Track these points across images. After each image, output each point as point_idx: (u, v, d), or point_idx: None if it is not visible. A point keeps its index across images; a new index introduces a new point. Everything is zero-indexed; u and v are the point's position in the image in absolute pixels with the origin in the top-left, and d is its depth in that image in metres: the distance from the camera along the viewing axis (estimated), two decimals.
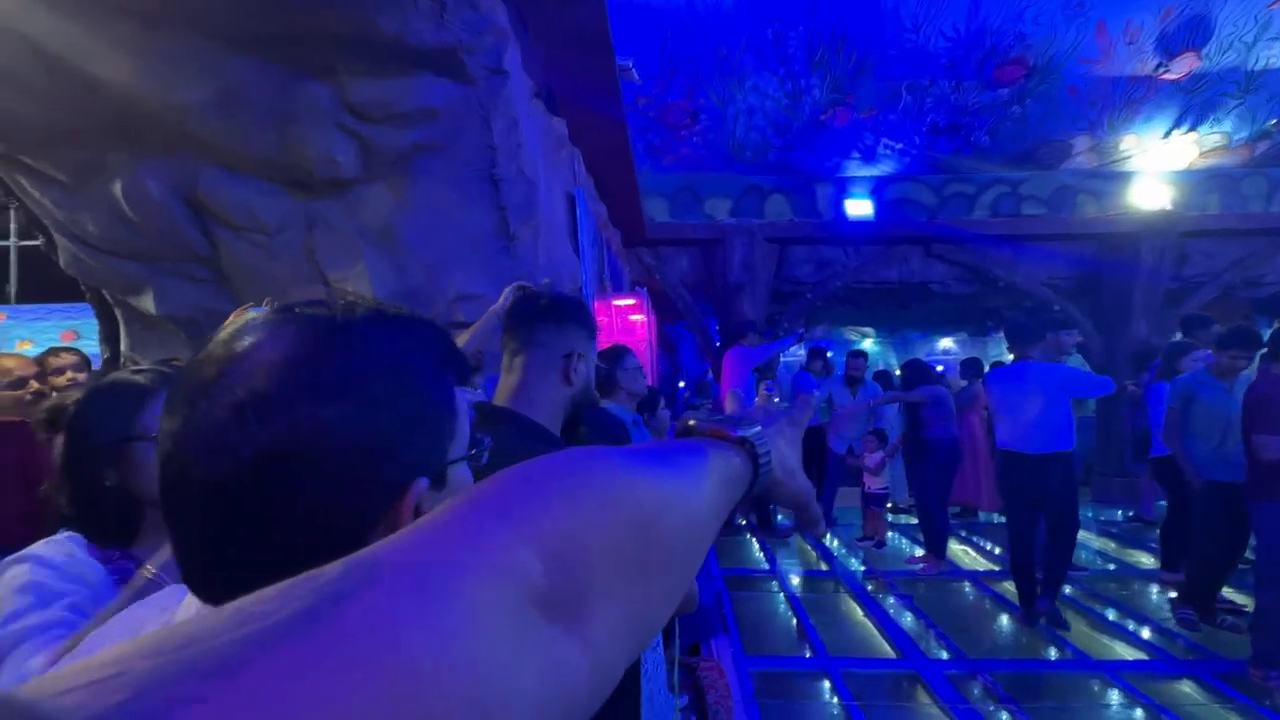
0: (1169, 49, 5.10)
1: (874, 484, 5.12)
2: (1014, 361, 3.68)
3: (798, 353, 6.99)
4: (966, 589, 4.25)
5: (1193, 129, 5.69)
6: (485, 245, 2.93)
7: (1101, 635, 3.47)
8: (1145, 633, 3.43)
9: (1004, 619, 3.75)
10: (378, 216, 2.81)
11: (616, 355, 2.41)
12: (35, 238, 3.55)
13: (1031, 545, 3.50)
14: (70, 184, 2.76)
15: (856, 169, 6.29)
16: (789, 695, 2.93)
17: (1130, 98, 5.45)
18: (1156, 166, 6.04)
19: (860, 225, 6.35)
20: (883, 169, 6.27)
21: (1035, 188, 6.27)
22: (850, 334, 11.80)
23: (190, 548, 0.38)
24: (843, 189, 6.35)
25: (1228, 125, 5.66)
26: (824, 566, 4.70)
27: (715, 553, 4.69)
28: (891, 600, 4.01)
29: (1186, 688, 2.91)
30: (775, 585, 4.29)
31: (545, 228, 3.14)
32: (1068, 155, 6.04)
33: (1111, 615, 3.68)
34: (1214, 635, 3.34)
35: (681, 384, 10.97)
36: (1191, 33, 4.98)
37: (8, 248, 9.14)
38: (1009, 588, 4.19)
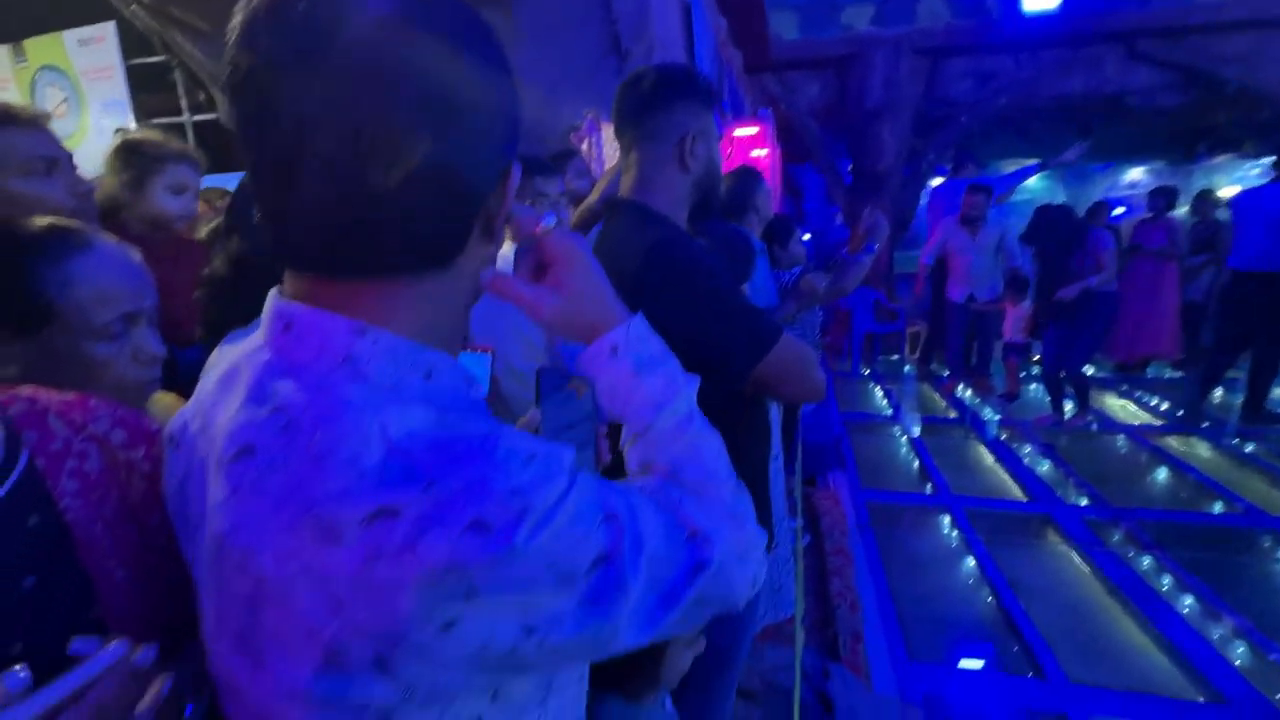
0: None
1: (1015, 333, 4.71)
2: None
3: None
4: (1120, 442, 3.91)
5: None
6: (598, 68, 2.75)
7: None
8: None
9: (1163, 472, 3.44)
10: None
11: (745, 177, 2.24)
12: (207, 110, 3.86)
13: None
14: (212, 31, 2.89)
15: None
16: (905, 526, 2.97)
17: None
18: None
19: (1039, 22, 5.16)
20: None
21: None
22: (1010, 167, 10.19)
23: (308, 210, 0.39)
24: None
25: None
26: (952, 414, 4.51)
27: (834, 396, 4.65)
28: (1028, 449, 3.80)
29: None
30: (898, 430, 4.21)
31: (659, 45, 2.86)
32: None
33: None
34: None
35: (806, 236, 10.29)
36: None
37: (183, 124, 10.20)
38: (1173, 443, 3.81)
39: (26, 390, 0.49)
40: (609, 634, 0.40)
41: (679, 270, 0.92)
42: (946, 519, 2.99)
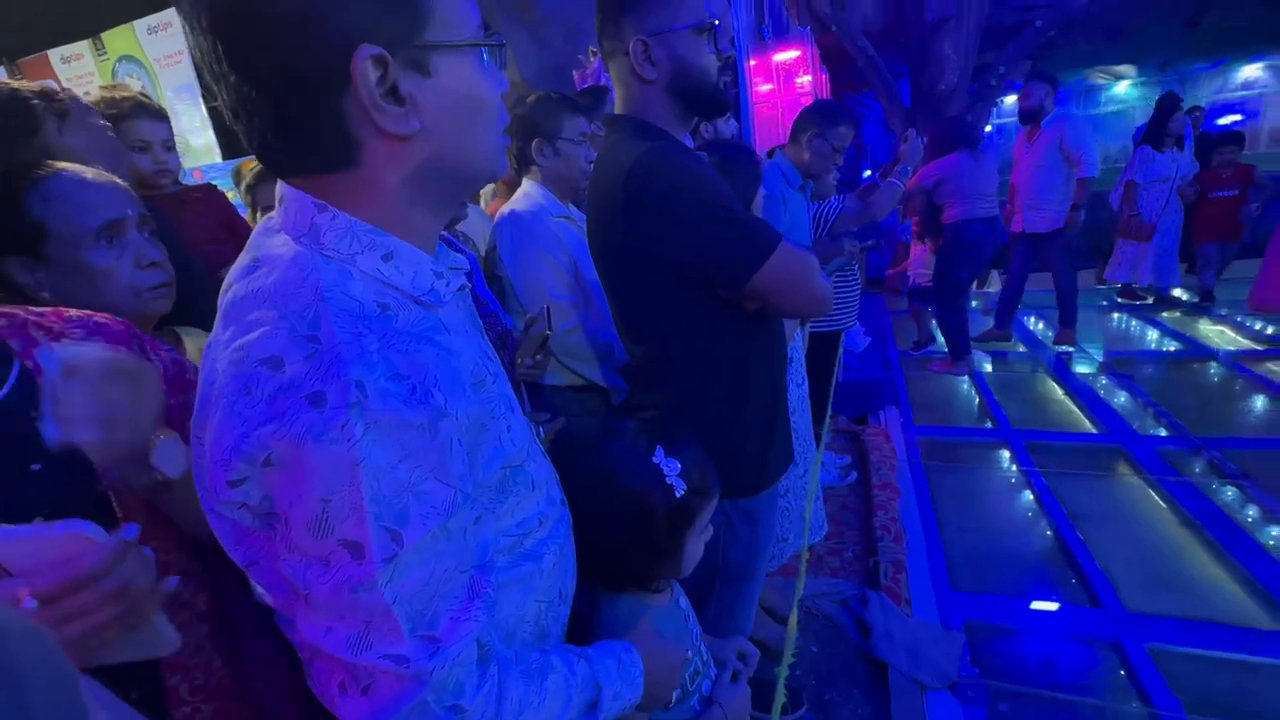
0: None
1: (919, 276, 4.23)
2: None
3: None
4: (1212, 370, 3.59)
5: None
6: None
7: None
8: None
9: (1259, 400, 3.15)
10: None
11: (805, 112, 2.08)
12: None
13: None
14: None
15: None
16: (960, 460, 2.88)
17: None
18: None
19: None
20: None
21: None
22: (1098, 77, 9.17)
23: None
24: None
25: None
26: (1021, 348, 4.26)
27: (892, 334, 4.48)
28: (1104, 380, 3.56)
29: None
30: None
31: None
32: None
33: None
34: None
35: (868, 172, 9.71)
36: None
37: None
38: (1272, 367, 3.46)
39: (4, 308, 0.56)
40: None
41: (666, 181, 0.90)
42: (1006, 453, 2.87)
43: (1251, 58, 8.03)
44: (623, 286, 1.04)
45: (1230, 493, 2.36)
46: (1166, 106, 4.26)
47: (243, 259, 0.49)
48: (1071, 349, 4.01)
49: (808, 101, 3.46)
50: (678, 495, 0.77)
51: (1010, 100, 9.90)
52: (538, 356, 1.29)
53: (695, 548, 0.84)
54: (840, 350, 2.66)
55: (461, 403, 0.48)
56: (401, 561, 0.43)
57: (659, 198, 0.89)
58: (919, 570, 2.06)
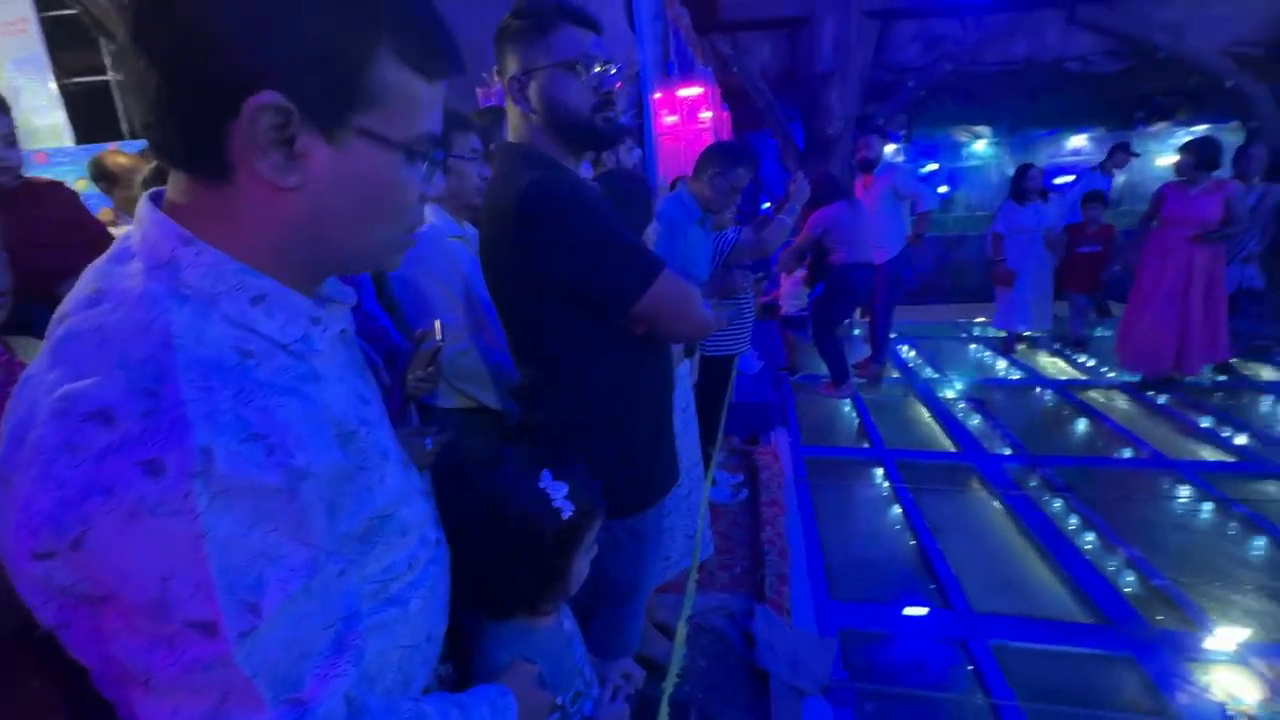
0: None
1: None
2: None
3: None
4: (1047, 396, 4.12)
5: None
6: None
7: (1187, 440, 3.32)
8: (1241, 439, 3.24)
9: (1081, 423, 3.65)
10: None
11: (706, 153, 2.17)
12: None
13: None
14: None
15: None
16: (840, 478, 3.10)
17: None
18: None
19: None
20: None
21: None
22: (961, 134, 10.37)
23: None
24: None
25: None
26: (895, 374, 4.67)
27: (785, 358, 4.76)
28: (962, 405, 3.98)
29: (1271, 488, 2.80)
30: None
31: None
32: None
33: (1205, 423, 3.48)
34: None
35: (767, 204, 10.32)
36: None
37: (107, 82, 9.53)
38: (1094, 395, 4.03)
39: None
40: None
41: (556, 207, 0.92)
42: (880, 471, 3.13)
43: (1079, 129, 9.43)
44: (514, 309, 1.05)
45: (1058, 504, 2.72)
46: (1023, 167, 4.81)
47: (84, 287, 0.44)
48: (870, 380, 4.34)
49: (709, 136, 3.66)
50: (565, 517, 0.78)
51: (890, 148, 10.95)
52: (430, 369, 1.26)
53: (582, 567, 0.86)
54: (734, 373, 2.80)
55: (326, 460, 0.45)
56: (261, 633, 0.39)
57: (549, 223, 0.92)
58: (800, 582, 2.19)
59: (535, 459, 0.80)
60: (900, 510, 2.73)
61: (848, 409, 4.03)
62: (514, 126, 1.02)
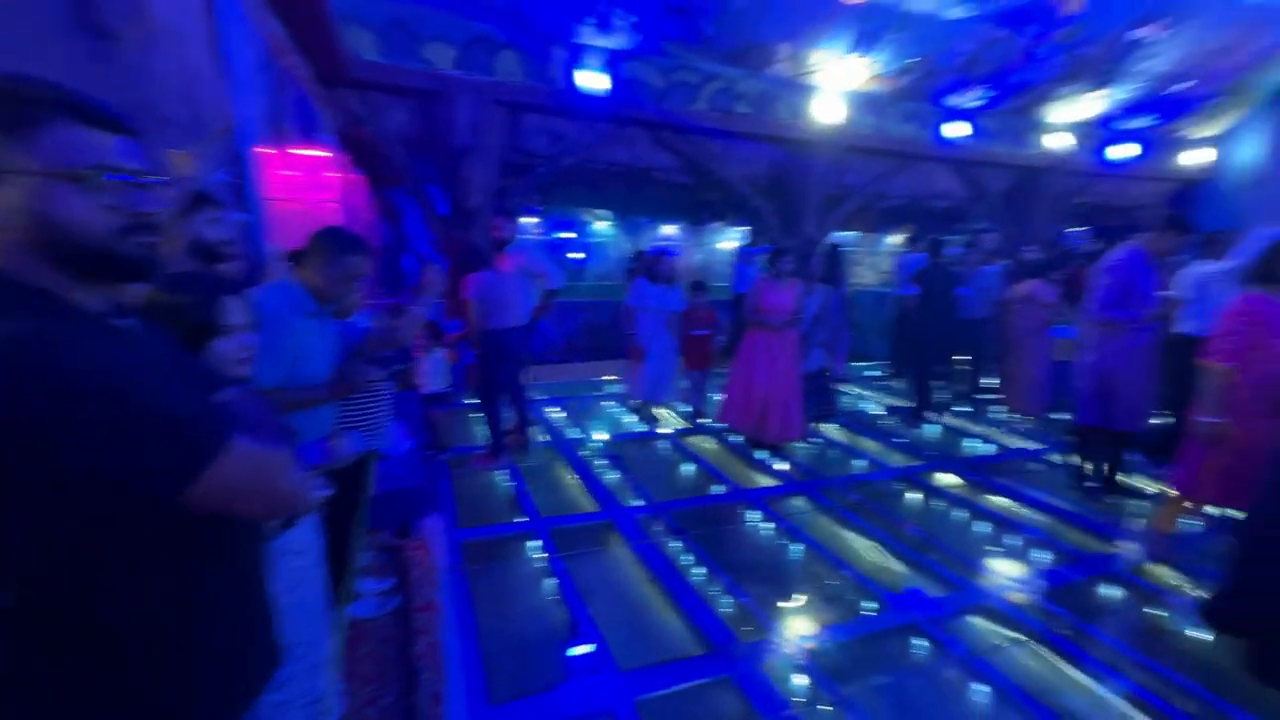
0: None
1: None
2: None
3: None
4: (665, 446, 4.92)
5: (864, 54, 6.69)
6: (55, 48, 2.02)
7: (753, 472, 4.37)
8: (779, 465, 4.42)
9: (690, 468, 4.45)
10: None
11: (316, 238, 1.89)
12: None
13: None
14: None
15: (591, 36, 6.01)
16: (498, 558, 3.08)
17: (820, 14, 6.11)
18: (834, 84, 7.03)
19: (594, 100, 6.19)
20: (617, 42, 6.10)
21: (746, 87, 6.81)
22: (588, 214, 12.00)
23: None
24: (577, 57, 6.04)
25: (885, 56, 6.78)
26: (544, 437, 4.95)
27: (436, 434, 4.57)
28: (601, 461, 4.44)
29: (799, 501, 3.87)
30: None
31: (170, 33, 2.30)
32: (772, 60, 6.62)
33: (760, 455, 4.64)
34: (824, 464, 4.48)
35: (438, 260, 9.94)
36: None
37: None
38: (696, 442, 4.97)
39: None
40: None
41: (50, 376, 0.65)
42: (536, 543, 3.22)
43: (670, 221, 11.92)
44: None
45: (677, 545, 3.22)
46: (656, 253, 5.52)
47: None
48: (520, 448, 4.47)
49: (333, 204, 3.35)
50: None
51: (528, 220, 11.91)
52: None
53: None
54: (373, 467, 2.53)
55: None
56: None
57: (39, 399, 0.65)
58: (456, 696, 2.05)
59: None
60: (555, 582, 2.84)
61: (503, 480, 4.08)
62: None
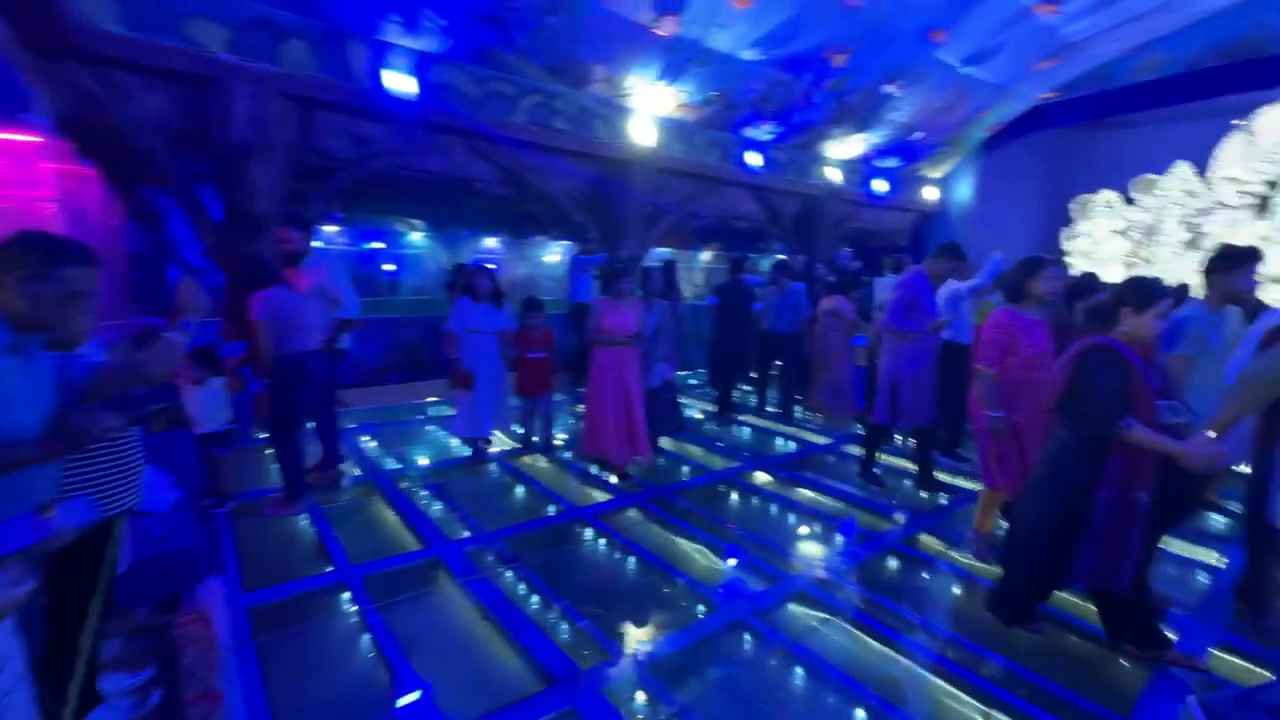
0: (660, 7, 6.13)
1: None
2: None
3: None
4: (493, 469, 4.69)
5: (671, 83, 7.13)
6: None
7: (586, 488, 4.35)
8: (611, 479, 4.47)
9: (521, 490, 4.30)
10: None
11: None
12: None
13: None
14: None
15: (397, 35, 5.59)
16: (300, 620, 2.66)
17: (632, 41, 6.39)
18: (647, 108, 7.39)
19: (403, 103, 5.76)
20: (426, 44, 5.76)
21: (564, 104, 6.86)
22: (399, 224, 11.17)
23: None
24: (381, 55, 5.58)
25: (690, 87, 7.30)
26: (357, 471, 4.45)
27: (208, 482, 3.86)
28: (423, 492, 4.10)
29: (632, 513, 3.94)
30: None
31: None
32: (588, 80, 6.76)
33: (594, 469, 4.65)
34: (653, 473, 4.62)
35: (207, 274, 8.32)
36: None
37: None
38: (526, 461, 4.82)
39: None
40: None
41: None
42: (346, 595, 2.84)
43: (491, 233, 11.57)
44: None
45: (509, 575, 3.07)
46: (479, 268, 5.07)
47: None
48: (328, 487, 4.02)
49: (48, 202, 2.66)
50: None
51: (330, 229, 10.76)
52: None
53: None
54: (122, 532, 2.03)
55: None
56: None
57: None
58: None
59: None
60: (371, 638, 2.53)
61: (306, 526, 3.57)
62: None
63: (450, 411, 5.81)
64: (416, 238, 11.72)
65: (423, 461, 4.75)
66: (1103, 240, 11.02)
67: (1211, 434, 2.25)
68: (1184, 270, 9.56)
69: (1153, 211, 10.47)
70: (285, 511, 3.65)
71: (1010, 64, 8.35)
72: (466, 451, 4.90)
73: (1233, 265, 3.03)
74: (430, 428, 5.75)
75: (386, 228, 11.36)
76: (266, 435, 3.70)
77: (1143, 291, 2.30)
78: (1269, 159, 9.27)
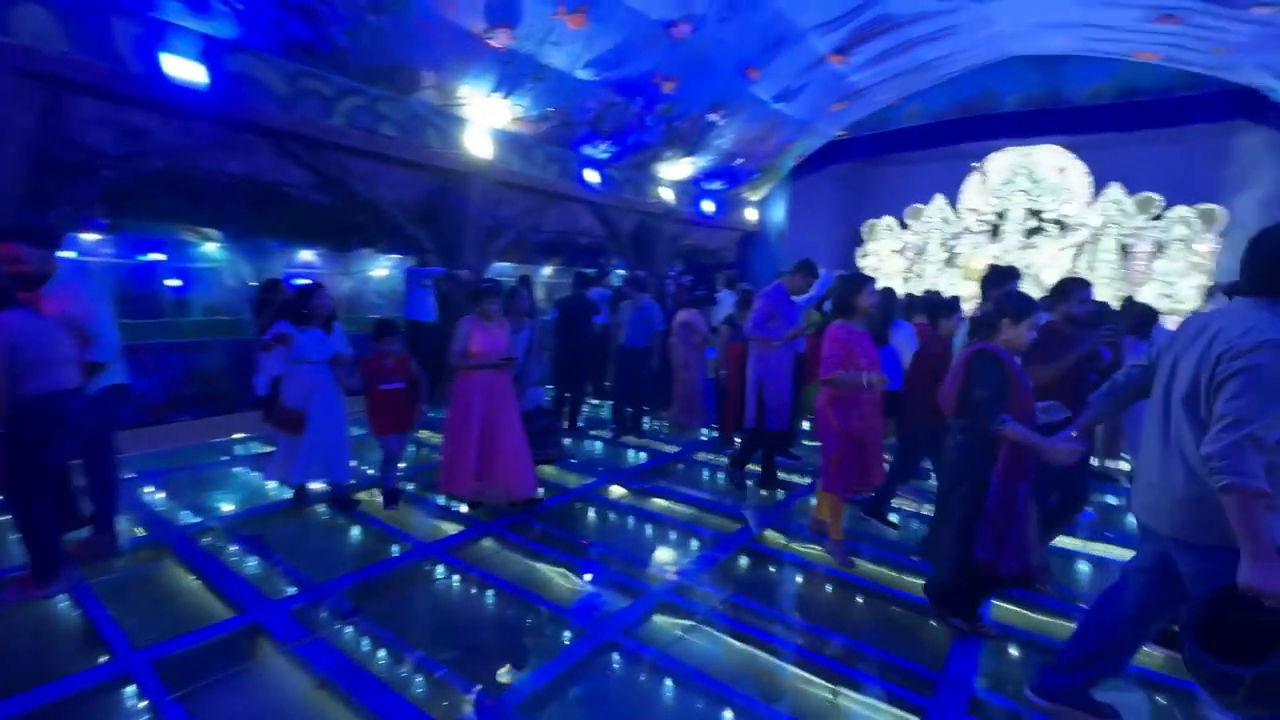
0: (493, 18, 5.98)
1: None
2: None
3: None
4: (322, 510, 4.16)
5: (506, 96, 6.99)
6: None
7: (433, 521, 4.03)
8: (462, 508, 4.20)
9: (355, 531, 3.86)
10: None
11: None
12: None
13: None
14: None
15: (179, 15, 4.79)
16: None
17: (465, 50, 6.16)
18: (484, 120, 7.17)
19: (191, 93, 4.94)
20: (217, 29, 5.01)
21: (391, 109, 6.39)
22: (189, 234, 9.57)
23: None
24: (159, 36, 4.73)
25: (527, 101, 7.22)
26: (140, 530, 3.67)
27: None
28: (234, 548, 3.50)
29: (487, 543, 3.73)
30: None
31: None
32: (418, 86, 6.38)
33: (440, 500, 4.33)
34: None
35: None
36: (508, 11, 5.99)
37: None
38: (362, 497, 4.35)
39: None
40: None
41: None
42: (131, 689, 2.31)
43: (308, 245, 10.38)
44: None
45: (349, 631, 2.72)
46: (291, 284, 4.51)
47: None
48: (98, 557, 3.28)
49: None
50: None
51: (91, 237, 8.88)
52: None
53: None
54: None
55: None
56: None
57: None
58: None
59: None
60: None
61: (66, 609, 2.86)
62: None
63: (266, 449, 5.09)
64: (211, 248, 10.13)
65: (228, 510, 4.07)
66: (886, 258, 12.96)
67: (1074, 433, 2.45)
68: (944, 283, 11.65)
69: (920, 235, 12.59)
70: (35, 594, 2.88)
71: (811, 103, 9.48)
72: (287, 494, 4.28)
73: (1062, 292, 3.24)
74: (239, 469, 4.95)
75: (170, 237, 9.68)
76: (1, 499, 2.88)
77: (1020, 305, 2.66)
78: (998, 194, 11.65)
